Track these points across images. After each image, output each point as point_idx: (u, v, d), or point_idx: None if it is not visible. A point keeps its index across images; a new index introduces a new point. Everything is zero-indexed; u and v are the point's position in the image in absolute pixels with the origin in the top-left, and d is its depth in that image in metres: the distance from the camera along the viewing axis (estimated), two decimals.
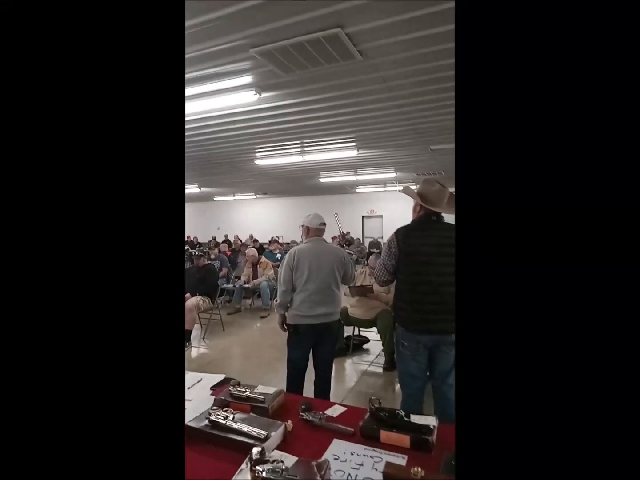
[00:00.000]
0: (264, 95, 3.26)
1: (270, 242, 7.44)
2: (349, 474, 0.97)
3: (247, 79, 2.96)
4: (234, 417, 1.17)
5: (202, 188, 10.16)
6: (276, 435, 1.08)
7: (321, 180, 8.71)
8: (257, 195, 12.58)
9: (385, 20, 2.10)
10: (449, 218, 1.58)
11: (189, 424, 1.15)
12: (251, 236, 10.65)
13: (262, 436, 1.06)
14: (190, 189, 10.13)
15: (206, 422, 1.15)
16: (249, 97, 3.20)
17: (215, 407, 1.21)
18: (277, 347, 4.06)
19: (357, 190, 11.06)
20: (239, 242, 8.20)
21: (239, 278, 5.65)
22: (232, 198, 12.96)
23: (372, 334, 3.97)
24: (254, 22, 2.12)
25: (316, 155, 5.88)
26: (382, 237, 11.92)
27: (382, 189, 10.35)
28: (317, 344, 2.18)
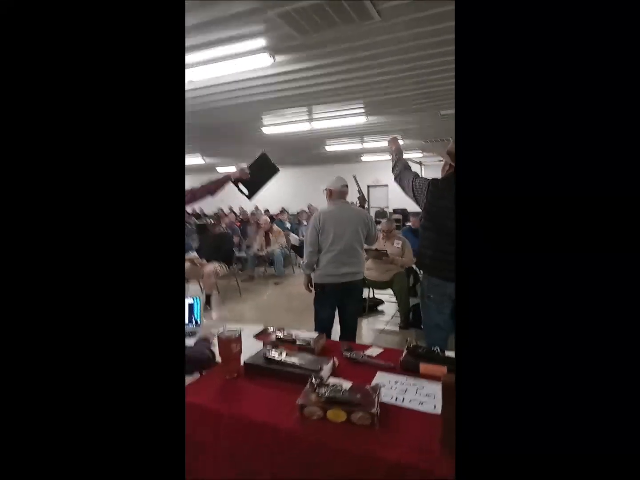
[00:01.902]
0: (276, 60, 3.23)
1: (280, 212, 7.51)
2: (396, 397, 1.10)
3: (261, 42, 2.93)
4: (286, 355, 1.29)
5: (205, 159, 10.08)
6: (327, 368, 1.21)
7: (327, 148, 8.63)
8: None
9: None
10: None
11: (247, 361, 1.28)
12: (256, 207, 10.69)
13: (317, 368, 1.19)
14: (193, 160, 10.04)
15: (262, 360, 1.28)
16: (263, 61, 3.17)
17: (269, 347, 1.34)
18: (293, 311, 4.23)
19: (363, 159, 10.97)
20: (247, 213, 8.30)
21: (250, 247, 5.78)
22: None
23: (385, 296, 4.13)
24: None
25: (324, 122, 5.83)
26: (387, 207, 11.93)
27: (388, 157, 10.26)
28: (343, 302, 2.31)
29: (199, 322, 1.80)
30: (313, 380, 1.07)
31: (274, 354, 1.28)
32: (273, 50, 3.06)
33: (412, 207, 8.63)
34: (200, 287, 4.24)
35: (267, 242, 5.47)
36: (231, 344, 1.23)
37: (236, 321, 3.78)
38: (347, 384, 1.06)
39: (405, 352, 1.30)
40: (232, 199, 13.87)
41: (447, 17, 2.52)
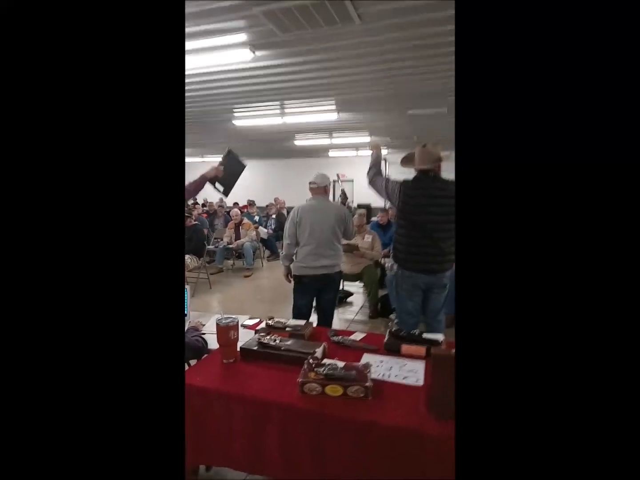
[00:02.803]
0: (256, 55, 3.26)
1: (248, 204, 7.48)
2: (383, 374, 1.24)
3: (242, 36, 2.95)
4: (280, 340, 1.39)
5: None
6: (319, 351, 1.32)
7: (296, 142, 8.68)
8: None
9: None
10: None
11: (243, 346, 1.36)
12: (220, 199, 10.53)
13: (311, 351, 1.30)
14: None
15: (257, 345, 1.37)
16: (243, 55, 3.18)
17: (262, 334, 1.43)
18: (264, 303, 4.30)
19: (330, 155, 11.11)
20: (213, 205, 8.16)
21: (219, 239, 5.74)
22: (200, 160, 12.56)
23: (353, 288, 4.31)
24: None
25: (296, 117, 5.88)
26: (352, 202, 12.20)
27: (354, 153, 10.48)
28: (320, 293, 2.42)
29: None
30: (310, 360, 1.18)
31: (269, 340, 1.37)
32: (253, 45, 3.08)
33: (376, 202, 8.85)
34: None
35: (237, 235, 5.47)
36: (229, 330, 1.31)
37: (208, 313, 3.80)
38: (340, 364, 1.18)
39: (387, 335, 1.44)
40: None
41: (425, 24, 2.69)
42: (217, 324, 1.31)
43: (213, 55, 3.28)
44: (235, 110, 5.76)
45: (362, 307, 4.00)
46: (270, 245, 6.43)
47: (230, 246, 5.37)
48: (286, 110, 5.71)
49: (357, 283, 4.05)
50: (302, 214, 2.31)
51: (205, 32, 2.86)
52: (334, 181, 2.37)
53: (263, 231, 6.26)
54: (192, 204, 10.90)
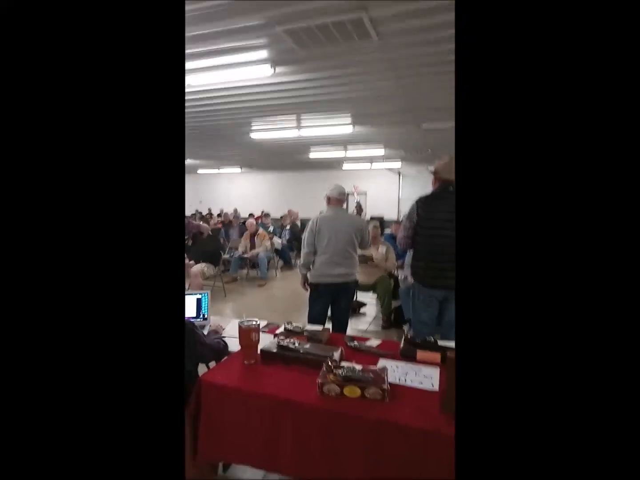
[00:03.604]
0: (276, 71, 3.39)
1: (263, 215, 7.60)
2: (399, 378, 1.27)
3: (263, 53, 3.08)
4: (298, 344, 1.43)
5: (187, 159, 10.05)
6: (337, 355, 1.36)
7: (311, 155, 8.81)
8: (243, 169, 12.53)
9: (403, 7, 2.30)
10: None
11: (263, 348, 1.41)
12: (235, 210, 10.74)
13: (329, 354, 1.34)
14: None
15: (277, 348, 1.42)
16: (264, 71, 3.31)
17: (282, 337, 1.48)
18: (277, 312, 4.34)
19: (344, 168, 11.23)
20: (228, 215, 8.33)
21: (234, 249, 5.85)
22: (216, 171, 12.85)
23: (366, 299, 4.33)
24: (282, 3, 2.28)
25: (312, 130, 6.01)
26: (365, 214, 12.25)
27: (369, 166, 10.57)
28: (335, 301, 2.46)
29: (206, 315, 1.91)
30: (329, 363, 1.23)
31: (288, 343, 1.42)
32: (274, 61, 3.21)
33: (389, 215, 8.92)
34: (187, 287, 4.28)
35: (252, 244, 5.56)
36: (251, 333, 1.36)
37: (227, 317, 3.85)
38: (358, 366, 1.22)
39: (403, 342, 1.47)
40: (210, 200, 13.71)
41: (440, 41, 2.77)
42: (240, 326, 1.37)
43: (234, 71, 3.43)
44: (253, 123, 5.93)
45: (375, 317, 4.01)
46: (284, 255, 6.51)
47: (245, 256, 5.46)
48: (302, 124, 5.84)
49: (369, 294, 4.07)
50: (321, 223, 2.37)
51: (229, 49, 3.01)
52: (349, 193, 2.45)
53: (277, 242, 6.35)
54: (207, 214, 11.14)
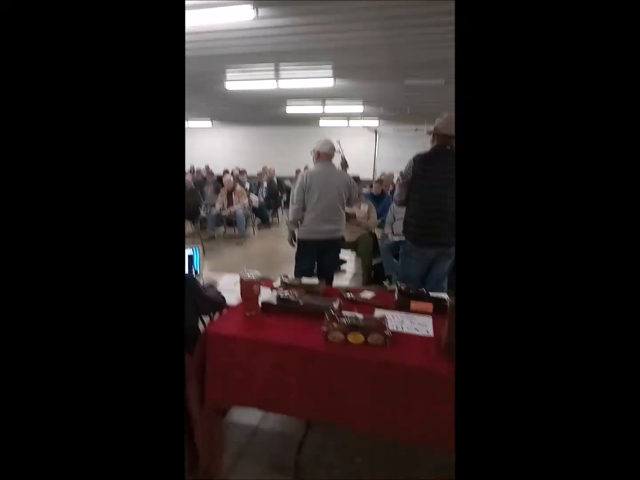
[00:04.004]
0: (256, 14, 3.15)
1: (240, 172, 7.39)
2: (396, 326, 1.35)
3: None
4: (298, 295, 1.47)
5: None
6: (336, 305, 1.41)
7: (288, 109, 8.50)
8: (213, 123, 11.93)
9: None
10: None
11: (263, 301, 1.44)
12: (207, 167, 10.35)
13: (329, 305, 1.39)
14: None
15: (277, 300, 1.45)
16: (245, 14, 3.08)
17: (280, 290, 1.51)
18: (259, 268, 4.37)
19: (320, 125, 10.94)
20: (201, 172, 8.04)
21: (210, 206, 5.71)
22: (185, 124, 12.18)
23: (345, 256, 4.43)
24: None
25: (291, 82, 5.75)
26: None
27: (346, 124, 10.35)
28: (321, 257, 2.50)
29: (198, 271, 1.90)
30: (332, 312, 1.28)
31: (288, 295, 1.45)
32: (256, 2, 2.98)
33: (364, 174, 8.86)
34: None
35: (230, 202, 5.44)
36: (252, 285, 1.38)
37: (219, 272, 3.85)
38: (360, 315, 1.28)
39: (397, 293, 1.54)
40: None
41: None
42: (241, 279, 1.38)
43: (211, 11, 3.16)
44: (227, 72, 5.58)
45: (354, 274, 4.14)
46: (262, 213, 6.44)
47: (223, 213, 5.36)
48: (281, 75, 5.57)
49: (348, 251, 4.16)
50: (311, 179, 2.34)
51: None
52: (333, 148, 2.44)
53: (255, 199, 6.25)
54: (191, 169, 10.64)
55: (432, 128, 2.06)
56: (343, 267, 4.34)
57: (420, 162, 2.00)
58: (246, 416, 1.69)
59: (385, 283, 3.56)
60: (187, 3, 2.96)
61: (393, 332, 1.26)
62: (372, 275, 3.74)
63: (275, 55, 4.54)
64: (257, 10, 3.06)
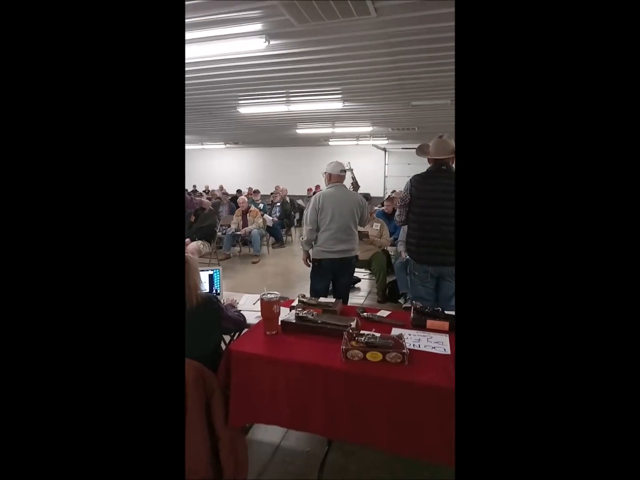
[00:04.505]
0: (267, 44, 3.32)
1: (253, 192, 7.56)
2: (413, 344, 1.38)
3: (257, 26, 3.01)
4: (316, 315, 1.52)
5: None
6: (354, 325, 1.46)
7: (298, 131, 8.71)
8: (227, 145, 12.27)
9: None
10: None
11: (284, 320, 1.49)
12: (221, 187, 10.61)
13: (347, 324, 1.43)
14: None
15: (297, 319, 1.50)
16: (257, 44, 3.25)
17: (299, 309, 1.56)
18: (274, 287, 4.42)
19: (330, 144, 11.15)
20: (216, 192, 8.26)
21: (226, 226, 5.84)
22: (200, 147, 12.54)
23: (360, 275, 4.45)
24: None
25: (302, 105, 5.94)
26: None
27: (355, 142, 10.54)
28: (336, 276, 2.55)
29: (219, 291, 1.97)
30: (350, 330, 1.32)
31: (307, 314, 1.51)
32: (268, 35, 3.15)
33: (375, 192, 8.98)
34: None
35: (245, 222, 5.57)
36: (273, 305, 1.44)
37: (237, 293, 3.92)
38: (377, 334, 1.32)
39: (413, 312, 1.58)
40: (194, 177, 13.40)
41: (438, 19, 2.78)
42: (262, 299, 1.44)
43: (226, 43, 3.34)
44: (240, 97, 5.80)
45: (369, 292, 4.16)
46: (276, 232, 6.55)
47: (239, 233, 5.47)
48: (292, 99, 5.76)
49: (362, 269, 4.19)
50: (324, 200, 2.42)
51: (222, 20, 2.92)
52: (344, 170, 2.54)
53: (268, 219, 6.37)
54: (191, 191, 10.96)
55: (418, 148, 2.17)
56: (358, 285, 4.37)
57: (417, 183, 2.07)
58: (268, 434, 1.72)
59: (401, 301, 3.57)
60: (203, 35, 3.15)
61: (410, 350, 1.30)
62: (387, 293, 3.77)
63: (286, 80, 4.72)
64: (268, 41, 3.22)
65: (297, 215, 8.26)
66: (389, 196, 5.17)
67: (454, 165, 2.12)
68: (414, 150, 2.26)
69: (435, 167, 2.09)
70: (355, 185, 2.88)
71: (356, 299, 3.98)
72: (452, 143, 2.09)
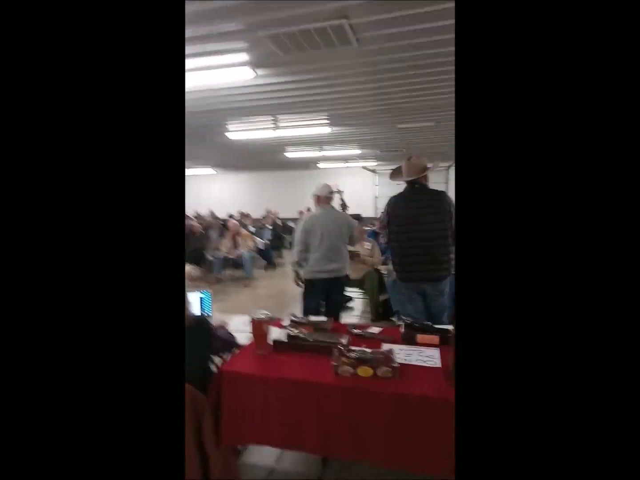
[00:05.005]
0: (255, 74, 3.45)
1: (244, 216, 7.60)
2: (404, 359, 1.39)
3: (244, 56, 3.14)
4: (307, 333, 1.53)
5: None
6: (345, 341, 1.47)
7: (287, 155, 8.87)
8: (216, 170, 12.40)
9: (383, 15, 2.44)
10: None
11: (275, 339, 1.50)
12: (212, 212, 10.66)
13: (338, 341, 1.44)
14: None
15: (288, 338, 1.51)
16: (244, 74, 3.37)
17: (290, 328, 1.57)
18: (267, 309, 4.40)
19: (320, 167, 11.36)
20: (206, 218, 8.31)
21: (217, 250, 5.84)
22: (189, 172, 12.65)
23: (353, 294, 4.46)
24: (266, 9, 2.37)
25: (289, 130, 6.08)
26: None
27: (344, 165, 10.75)
28: (328, 295, 2.57)
29: (209, 313, 1.97)
30: (341, 347, 1.33)
31: (297, 333, 1.51)
32: (254, 64, 3.27)
33: (366, 212, 9.05)
34: None
35: (235, 244, 5.58)
36: (263, 324, 1.45)
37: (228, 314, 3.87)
38: (368, 350, 1.33)
39: (404, 327, 1.60)
40: (185, 204, 13.41)
41: (420, 47, 2.92)
42: (252, 319, 1.45)
43: (214, 73, 3.46)
44: (229, 124, 5.93)
45: (362, 311, 4.15)
46: (267, 255, 6.55)
47: (230, 256, 5.47)
48: (280, 124, 5.91)
49: (355, 289, 4.20)
50: (313, 222, 2.47)
51: (209, 52, 3.04)
52: (332, 192, 2.61)
53: (259, 241, 6.38)
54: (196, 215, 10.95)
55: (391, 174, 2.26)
56: (351, 304, 4.37)
57: (393, 204, 2.14)
58: (262, 457, 1.68)
59: (394, 319, 3.57)
60: (191, 65, 3.26)
61: (402, 365, 1.31)
62: (380, 311, 3.77)
63: (274, 107, 4.86)
64: (255, 71, 3.34)
65: (289, 238, 8.30)
66: (380, 216, 5.23)
67: (428, 183, 2.19)
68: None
69: (409, 187, 2.16)
70: (344, 206, 2.94)
71: (350, 318, 3.97)
72: (423, 162, 2.16)
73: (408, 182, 2.15)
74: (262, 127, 5.98)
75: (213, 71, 3.40)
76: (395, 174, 2.27)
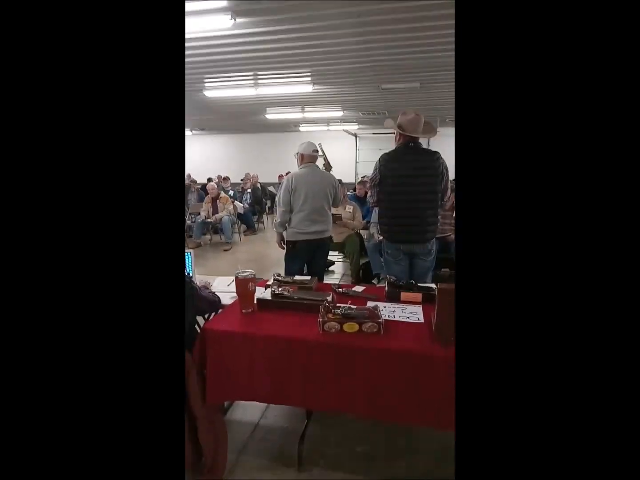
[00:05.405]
0: (234, 21, 3.20)
1: (223, 179, 7.39)
2: (388, 315, 1.41)
3: (223, 2, 2.90)
4: (292, 292, 1.52)
5: None
6: (330, 299, 1.47)
7: (268, 116, 8.55)
8: (193, 132, 11.88)
9: None
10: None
11: (259, 297, 1.48)
12: (189, 175, 10.30)
13: (323, 298, 1.44)
14: None
15: (273, 296, 1.50)
16: (223, 22, 3.13)
17: (275, 287, 1.55)
18: None
19: (301, 129, 11.03)
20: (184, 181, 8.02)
21: (195, 214, 5.70)
22: None
23: (334, 257, 4.49)
24: None
25: (271, 88, 5.81)
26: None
27: (326, 128, 10.48)
28: (311, 258, 2.55)
29: (190, 274, 1.92)
30: (326, 304, 1.33)
31: (283, 291, 1.50)
32: (234, 12, 3.03)
33: (347, 178, 8.93)
34: None
35: (215, 209, 5.44)
36: (248, 282, 1.42)
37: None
38: (353, 306, 1.34)
39: (387, 285, 1.61)
40: None
41: None
42: (236, 277, 1.42)
43: (191, 20, 3.19)
44: (206, 80, 5.60)
45: (343, 274, 4.20)
46: (247, 219, 6.45)
47: (209, 220, 5.35)
48: (260, 81, 5.62)
49: (336, 253, 4.22)
50: (297, 181, 2.39)
51: None
52: (316, 150, 2.51)
53: (239, 205, 6.26)
54: None
55: (389, 123, 2.09)
56: (332, 268, 4.40)
57: (386, 162, 2.04)
58: (246, 414, 1.71)
59: (374, 281, 3.63)
60: None
61: (386, 321, 1.33)
62: (360, 274, 3.81)
63: (254, 60, 4.59)
64: (234, 19, 3.11)
65: (269, 203, 8.16)
66: (360, 180, 5.19)
67: (421, 142, 2.12)
68: (385, 135, 2.22)
69: (404, 144, 2.04)
70: (328, 166, 2.86)
71: (330, 281, 4.01)
72: (422, 118, 2.06)
73: (404, 138, 2.03)
74: (241, 84, 5.69)
75: (191, 18, 3.14)
76: (399, 127, 2.03)
